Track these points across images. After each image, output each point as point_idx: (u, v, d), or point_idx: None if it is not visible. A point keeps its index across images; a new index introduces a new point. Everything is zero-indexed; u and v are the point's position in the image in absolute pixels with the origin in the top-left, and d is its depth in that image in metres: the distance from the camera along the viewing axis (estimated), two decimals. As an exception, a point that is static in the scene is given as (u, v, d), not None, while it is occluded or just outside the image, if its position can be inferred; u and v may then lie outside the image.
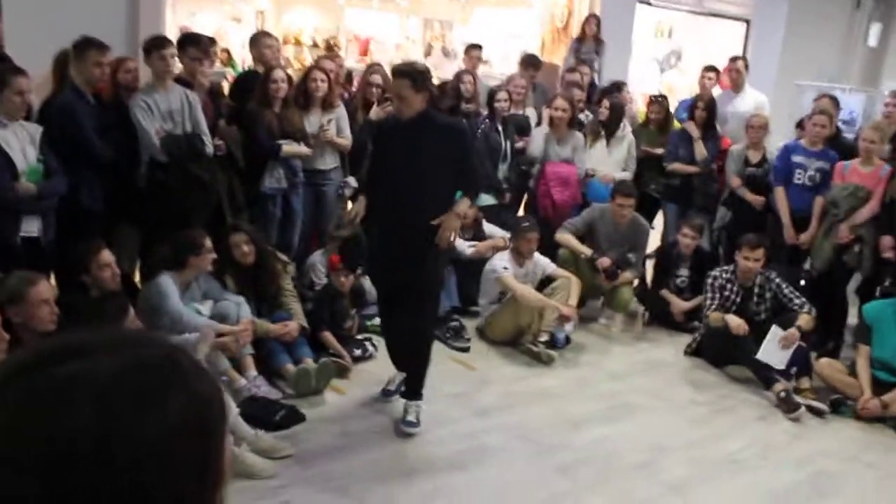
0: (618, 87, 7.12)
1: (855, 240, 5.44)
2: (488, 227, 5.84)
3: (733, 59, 7.38)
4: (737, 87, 7.22)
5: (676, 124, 6.79)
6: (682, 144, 6.39)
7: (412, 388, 4.09)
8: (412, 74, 3.81)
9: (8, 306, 3.08)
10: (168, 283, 4.17)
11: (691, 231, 5.85)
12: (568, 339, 5.36)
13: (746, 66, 7.24)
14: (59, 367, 0.70)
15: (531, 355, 5.13)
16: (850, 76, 12.23)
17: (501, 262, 5.29)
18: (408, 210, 3.90)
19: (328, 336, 4.67)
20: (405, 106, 3.82)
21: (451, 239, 3.98)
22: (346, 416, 4.12)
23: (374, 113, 5.65)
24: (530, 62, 7.30)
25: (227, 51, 8.91)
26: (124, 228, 5.04)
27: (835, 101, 6.49)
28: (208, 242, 4.29)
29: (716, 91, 7.44)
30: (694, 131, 6.31)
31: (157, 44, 4.64)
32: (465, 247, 5.56)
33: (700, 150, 6.25)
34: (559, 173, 5.98)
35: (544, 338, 5.18)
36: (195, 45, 5.02)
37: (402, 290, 4.03)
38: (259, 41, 5.77)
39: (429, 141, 3.85)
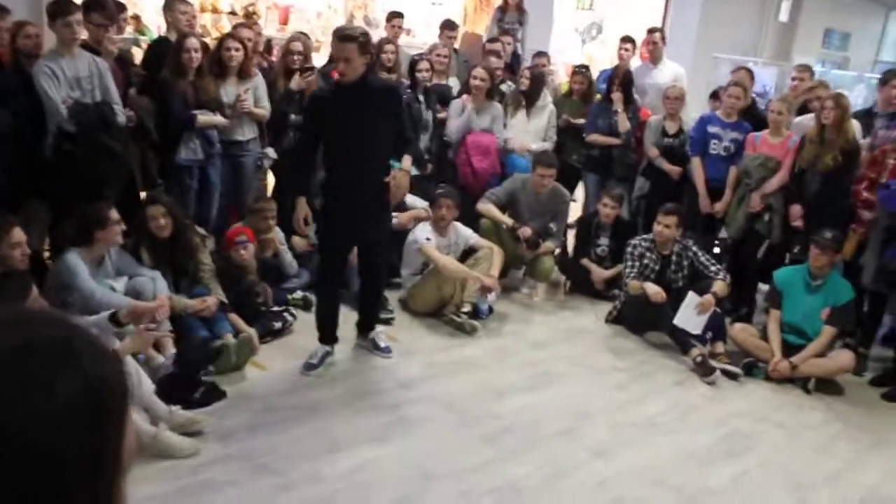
0: (539, 55, 7.13)
1: (765, 208, 5.62)
2: (410, 198, 5.80)
3: (651, 31, 7.48)
4: (655, 59, 7.34)
5: (598, 95, 6.85)
6: (601, 115, 6.45)
7: (374, 321, 4.70)
8: (357, 38, 3.93)
9: None
10: (76, 259, 4.00)
11: (611, 201, 5.94)
12: (491, 310, 5.40)
13: (664, 39, 7.37)
14: None
15: (454, 326, 5.14)
16: (763, 50, 12.59)
17: (423, 233, 5.28)
18: (361, 171, 4.13)
19: (234, 317, 4.50)
20: (350, 69, 3.93)
21: (402, 192, 4.31)
22: (267, 392, 4.05)
23: (296, 83, 5.53)
24: (447, 25, 7.26)
25: (136, 17, 8.55)
26: (32, 203, 4.82)
27: (750, 74, 6.66)
28: (115, 214, 4.10)
29: (635, 63, 7.53)
30: (619, 103, 6.37)
31: (62, 10, 4.36)
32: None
33: (623, 123, 6.32)
34: (479, 142, 5.99)
35: (467, 308, 5.20)
36: (100, 9, 4.79)
37: (359, 246, 4.40)
38: (173, 7, 5.56)
39: (370, 103, 4.04)
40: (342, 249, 4.41)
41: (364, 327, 4.71)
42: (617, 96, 6.37)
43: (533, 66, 6.69)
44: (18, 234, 3.68)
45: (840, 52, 15.26)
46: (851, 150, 5.31)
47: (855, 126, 5.57)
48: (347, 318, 4.68)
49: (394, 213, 5.50)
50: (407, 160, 4.39)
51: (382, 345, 4.66)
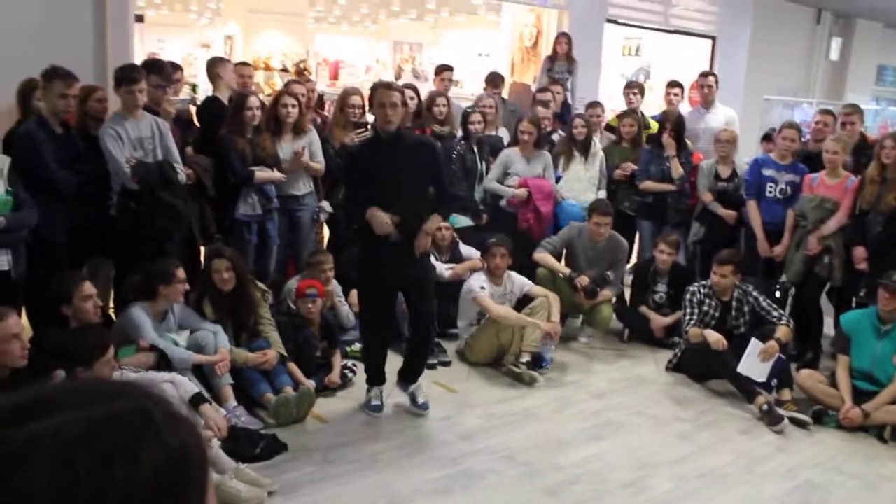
0: (593, 106, 7.15)
1: (824, 251, 5.50)
2: (465, 249, 5.82)
3: (704, 75, 7.46)
4: (707, 103, 7.30)
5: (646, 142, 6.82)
6: (654, 161, 6.42)
7: (417, 373, 4.57)
8: (400, 88, 4.16)
9: None
10: (140, 313, 4.10)
11: (668, 247, 5.88)
12: (551, 359, 5.34)
13: (717, 82, 7.32)
14: (21, 428, 0.65)
15: (514, 376, 5.10)
16: (815, 90, 12.46)
17: (478, 283, 5.27)
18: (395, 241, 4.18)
19: (292, 367, 4.53)
20: (395, 117, 4.08)
21: (424, 249, 4.29)
22: (328, 445, 4.05)
23: (349, 139, 5.64)
24: (491, 80, 7.35)
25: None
26: (97, 259, 4.96)
27: (833, 117, 6.35)
28: (180, 273, 4.22)
29: (686, 108, 7.51)
30: (671, 149, 6.33)
31: (128, 78, 4.54)
32: (443, 269, 5.54)
33: (677, 168, 6.28)
34: (541, 186, 6.00)
35: (525, 358, 5.15)
36: (158, 72, 4.96)
37: (404, 289, 4.43)
38: (225, 67, 5.73)
39: (405, 156, 4.16)
40: (381, 293, 4.40)
41: (406, 376, 4.60)
42: (669, 142, 6.34)
43: (586, 115, 6.69)
44: (89, 287, 3.80)
45: (895, 87, 15.03)
46: (915, 189, 5.19)
47: None
48: (389, 365, 4.65)
49: (450, 265, 5.53)
50: (435, 220, 4.33)
51: (420, 401, 4.54)
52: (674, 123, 6.45)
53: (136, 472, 0.66)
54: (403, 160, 4.14)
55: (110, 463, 0.66)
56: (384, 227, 4.11)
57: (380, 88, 4.17)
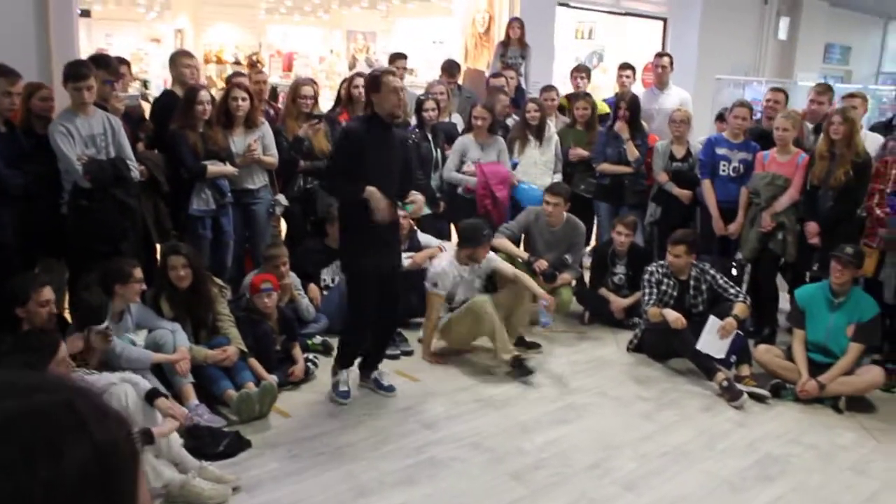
0: (547, 90, 7.15)
1: (777, 227, 5.59)
2: (423, 237, 5.81)
3: (658, 56, 7.48)
4: (661, 84, 7.35)
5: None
6: (610, 143, 6.45)
7: (379, 360, 4.68)
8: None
9: None
10: (97, 314, 4.02)
11: (625, 228, 5.93)
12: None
13: (671, 63, 7.36)
14: None
15: (519, 375, 4.98)
16: (765, 69, 12.63)
17: (446, 264, 5.20)
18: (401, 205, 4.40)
19: (253, 362, 4.47)
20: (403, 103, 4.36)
21: (387, 219, 4.29)
22: (292, 440, 4.02)
23: (303, 131, 5.59)
24: (447, 69, 7.33)
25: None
26: (48, 261, 4.86)
27: (785, 95, 6.43)
28: (137, 272, 4.16)
29: (639, 89, 7.55)
30: (624, 132, 6.37)
31: (74, 74, 4.43)
32: (402, 258, 5.51)
33: (632, 151, 6.31)
34: (497, 172, 6.00)
35: (507, 357, 5.02)
36: (105, 67, 4.86)
37: (382, 275, 4.40)
38: (177, 61, 5.64)
39: (394, 143, 4.37)
40: (371, 277, 4.37)
41: (369, 364, 4.66)
42: (621, 125, 6.37)
43: (540, 100, 6.69)
44: (48, 292, 3.73)
45: (842, 65, 15.33)
46: (863, 164, 5.29)
47: (875, 139, 5.55)
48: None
49: (409, 254, 5.51)
50: (421, 198, 4.56)
51: (386, 383, 4.63)
52: (628, 104, 6.48)
53: (61, 469, 0.64)
54: (394, 148, 4.34)
55: (32, 459, 0.63)
56: (384, 207, 4.17)
57: (386, 75, 4.23)
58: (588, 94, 7.13)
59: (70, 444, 0.65)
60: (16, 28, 5.72)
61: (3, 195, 4.32)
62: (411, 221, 5.68)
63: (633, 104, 6.51)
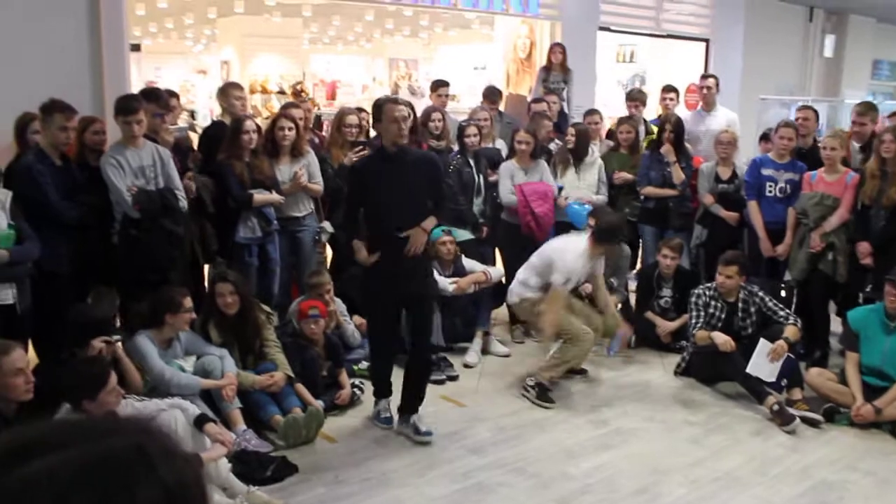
0: (591, 113, 7.14)
1: (827, 247, 5.48)
2: (468, 263, 5.82)
3: (704, 77, 7.40)
4: (708, 105, 7.26)
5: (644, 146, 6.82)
6: (653, 166, 6.40)
7: (417, 403, 4.45)
8: (405, 101, 4.25)
9: None
10: (146, 342, 4.11)
11: (671, 251, 5.87)
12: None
13: (717, 84, 7.26)
14: (17, 469, 0.65)
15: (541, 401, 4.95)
16: (811, 87, 12.47)
17: (574, 262, 5.06)
18: (397, 235, 4.19)
19: (300, 388, 4.53)
20: (406, 130, 4.23)
21: (418, 250, 4.26)
22: (338, 465, 4.04)
23: (348, 159, 5.66)
24: (488, 95, 7.37)
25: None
26: (100, 289, 4.98)
27: (815, 113, 6.43)
28: (188, 302, 4.22)
29: (683, 111, 7.50)
30: (670, 155, 6.33)
31: (124, 108, 4.56)
32: (447, 283, 5.53)
33: (678, 174, 6.26)
34: (536, 189, 5.99)
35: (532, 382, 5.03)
36: (155, 100, 4.99)
37: (406, 304, 4.43)
38: (226, 92, 5.77)
39: (408, 171, 4.20)
40: (384, 308, 4.41)
41: (406, 408, 4.46)
42: (667, 148, 6.33)
43: (579, 123, 6.69)
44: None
45: (891, 81, 15.05)
46: (916, 181, 5.18)
47: None
48: (396, 381, 4.63)
49: (453, 279, 5.52)
50: (430, 220, 4.32)
51: (423, 429, 4.37)
52: (673, 127, 6.44)
53: None
54: (407, 175, 4.19)
55: (107, 503, 0.65)
56: (363, 258, 4.28)
57: (388, 104, 4.21)
58: (632, 118, 7.10)
59: (143, 488, 0.67)
60: (71, 64, 5.92)
61: (58, 226, 4.44)
62: (456, 247, 5.69)
63: (678, 126, 6.46)
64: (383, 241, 4.24)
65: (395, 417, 4.51)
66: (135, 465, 0.69)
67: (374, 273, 4.31)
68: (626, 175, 6.51)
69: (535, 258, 5.26)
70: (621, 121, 7.02)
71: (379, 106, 4.30)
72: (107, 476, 0.67)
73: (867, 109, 6.22)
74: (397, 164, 4.18)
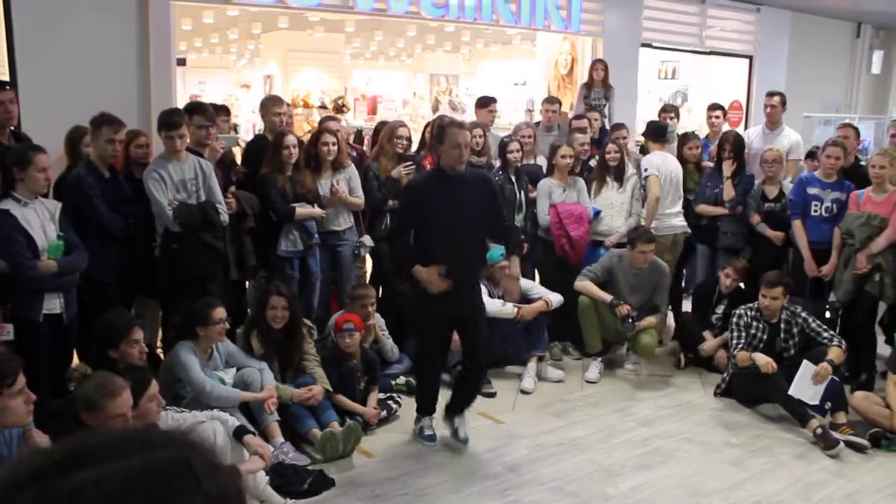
0: (618, 128, 7.10)
1: (874, 268, 5.38)
2: (525, 283, 5.76)
3: (770, 95, 7.19)
4: (773, 123, 7.09)
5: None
6: (713, 184, 6.35)
7: (464, 406, 4.53)
8: (469, 127, 4.28)
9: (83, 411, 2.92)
10: (187, 353, 4.15)
11: (734, 272, 5.82)
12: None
13: (783, 102, 7.07)
14: (66, 478, 0.67)
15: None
16: (857, 105, 12.26)
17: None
18: (453, 253, 4.17)
19: (341, 398, 4.57)
20: (467, 156, 4.23)
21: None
22: (375, 479, 4.05)
23: (397, 172, 5.68)
24: (548, 99, 7.50)
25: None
26: (144, 301, 5.07)
27: (855, 131, 6.39)
28: (218, 313, 4.23)
29: (756, 129, 7.39)
30: (727, 170, 6.25)
31: (168, 123, 4.64)
32: (506, 306, 5.45)
33: (728, 190, 6.20)
34: (571, 211, 5.96)
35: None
36: (201, 112, 5.07)
37: (457, 325, 4.41)
38: (269, 108, 5.84)
39: (467, 192, 4.21)
40: (436, 327, 4.39)
41: (452, 409, 4.56)
42: (727, 164, 6.26)
43: (614, 139, 6.62)
44: (138, 332, 3.86)
45: (941, 99, 14.71)
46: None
47: None
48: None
49: (509, 305, 5.46)
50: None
51: (462, 435, 4.50)
52: (732, 144, 6.36)
53: None
54: (466, 196, 4.19)
55: None
56: (433, 281, 4.17)
57: (452, 127, 4.19)
58: (695, 133, 7.03)
59: (186, 499, 0.69)
60: (119, 78, 6.07)
61: (105, 237, 4.53)
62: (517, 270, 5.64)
63: (737, 143, 6.38)
64: (437, 260, 4.18)
65: (438, 434, 4.52)
66: (179, 477, 0.70)
67: (424, 296, 4.29)
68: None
69: None
70: (685, 136, 6.95)
71: (443, 128, 4.27)
72: (152, 488, 0.68)
73: None
74: (456, 185, 4.18)
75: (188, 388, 4.13)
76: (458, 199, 4.16)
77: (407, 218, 4.40)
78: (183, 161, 4.68)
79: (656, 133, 6.78)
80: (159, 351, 4.98)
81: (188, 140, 4.72)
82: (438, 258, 4.19)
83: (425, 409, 4.57)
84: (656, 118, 7.40)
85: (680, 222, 6.47)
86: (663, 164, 6.45)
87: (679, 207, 6.51)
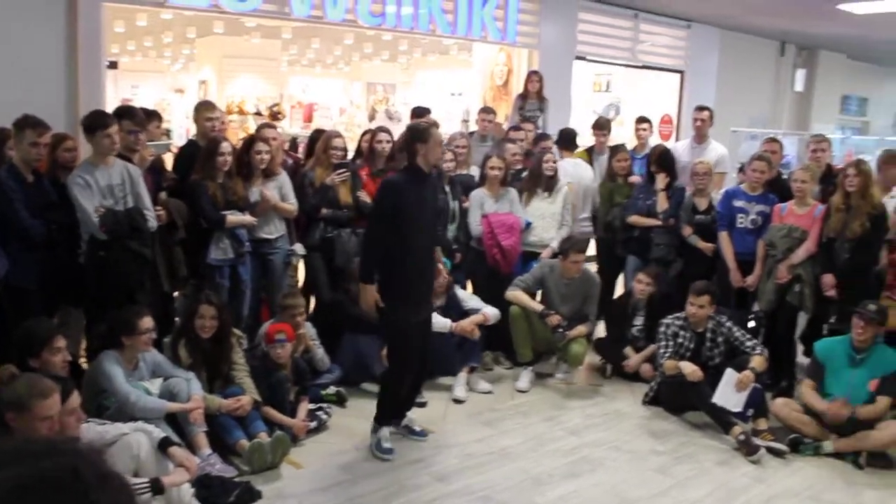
0: (543, 138, 7.18)
1: (794, 279, 5.56)
2: (460, 293, 5.79)
3: (699, 109, 7.38)
4: (701, 137, 7.27)
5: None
6: (645, 196, 6.45)
7: (411, 405, 4.80)
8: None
9: (10, 412, 2.83)
10: (111, 363, 4.04)
11: (646, 278, 5.92)
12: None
13: (711, 117, 7.24)
14: None
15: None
16: (782, 121, 12.69)
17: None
18: (425, 254, 4.45)
19: (269, 410, 4.51)
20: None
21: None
22: (303, 491, 4.00)
23: (330, 180, 5.66)
24: (484, 109, 7.52)
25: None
26: (68, 309, 4.92)
27: (779, 145, 6.63)
28: (144, 323, 4.12)
29: (656, 142, 7.57)
30: (661, 182, 6.37)
31: (101, 123, 4.53)
32: (444, 321, 5.44)
33: (662, 203, 6.32)
34: (503, 221, 6.01)
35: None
36: (130, 117, 4.96)
37: (422, 325, 4.50)
38: (200, 113, 5.75)
39: (432, 191, 4.57)
40: (412, 332, 4.38)
41: (407, 412, 4.76)
42: (661, 177, 6.39)
43: (540, 150, 6.67)
44: (61, 340, 3.75)
45: (858, 116, 15.36)
46: (878, 216, 5.30)
47: None
48: (364, 408, 4.67)
49: (445, 321, 5.45)
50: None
51: (417, 429, 4.74)
52: (657, 158, 6.50)
53: None
54: (432, 196, 4.53)
55: None
56: (368, 304, 4.31)
57: (432, 128, 4.39)
58: (625, 146, 7.15)
59: None
60: (46, 80, 5.91)
61: (27, 244, 4.39)
62: (450, 278, 5.66)
63: (664, 157, 6.51)
64: (410, 262, 4.30)
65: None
66: (68, 487, 0.69)
67: (402, 297, 4.30)
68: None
69: None
70: (615, 149, 7.06)
71: (424, 129, 4.36)
72: (39, 498, 0.66)
73: (824, 139, 6.58)
74: (429, 185, 4.44)
75: (112, 399, 4.02)
76: (431, 198, 4.45)
77: (385, 213, 4.29)
78: (110, 166, 4.57)
79: (567, 141, 7.05)
80: (83, 361, 4.84)
81: (118, 143, 4.60)
82: (414, 258, 4.30)
83: (393, 416, 4.60)
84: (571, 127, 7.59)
85: (588, 229, 6.62)
86: (575, 171, 6.65)
87: (588, 213, 6.72)
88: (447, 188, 6.07)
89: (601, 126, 7.52)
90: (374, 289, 4.29)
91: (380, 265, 4.33)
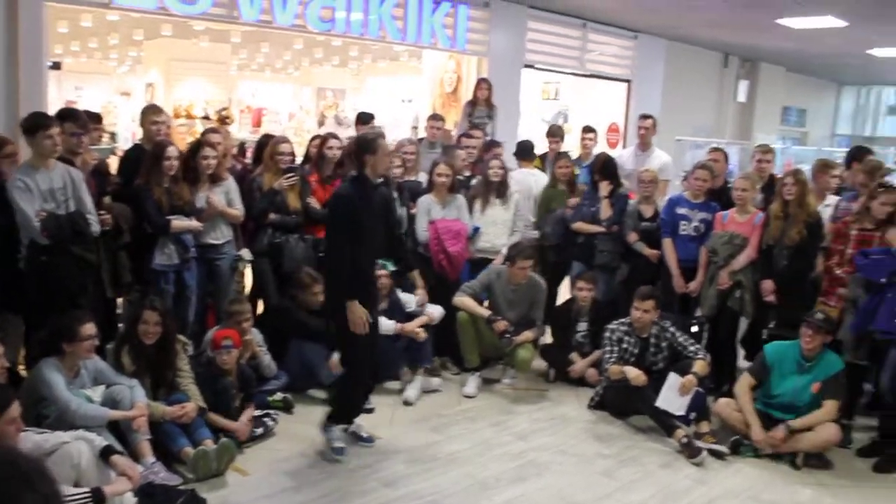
0: (492, 145, 7.24)
1: (735, 285, 5.69)
2: (403, 296, 5.80)
3: (643, 118, 7.54)
4: (645, 145, 7.42)
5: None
6: (589, 203, 6.53)
7: (359, 412, 4.80)
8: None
9: None
10: (51, 371, 3.95)
11: (585, 283, 6.00)
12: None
13: (654, 125, 7.41)
14: None
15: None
16: (725, 130, 12.98)
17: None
18: (373, 259, 4.60)
19: (213, 416, 4.47)
20: None
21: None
22: (248, 498, 3.96)
23: (278, 184, 5.63)
24: (433, 116, 7.58)
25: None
26: (6, 315, 4.80)
27: (724, 155, 6.79)
28: (86, 329, 4.03)
29: (605, 148, 7.69)
30: (604, 190, 6.46)
31: (41, 124, 4.43)
32: (389, 324, 5.48)
33: (605, 210, 6.41)
34: (449, 227, 6.04)
35: None
36: (73, 119, 4.87)
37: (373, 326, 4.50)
38: (146, 117, 5.67)
39: (381, 200, 4.66)
40: (366, 336, 4.37)
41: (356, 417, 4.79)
42: (604, 185, 6.47)
43: (491, 157, 6.72)
44: None
45: (798, 127, 15.83)
46: (815, 224, 5.47)
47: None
48: (311, 415, 4.65)
49: (390, 323, 5.48)
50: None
51: (365, 435, 4.75)
52: (599, 167, 6.60)
53: None
54: (380, 205, 4.60)
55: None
56: (360, 322, 4.26)
57: (380, 139, 4.41)
58: (567, 153, 7.24)
59: (27, 498, 0.71)
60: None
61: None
62: (391, 280, 5.67)
63: (608, 165, 6.61)
64: (362, 269, 4.35)
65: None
66: (13, 479, 0.71)
67: (362, 295, 4.34)
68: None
69: None
70: (558, 156, 7.14)
71: (372, 139, 4.37)
72: None
73: (769, 149, 6.72)
74: (378, 194, 4.54)
75: (52, 408, 3.93)
76: (376, 209, 4.48)
77: (343, 226, 4.29)
78: (51, 169, 4.47)
79: (525, 152, 7.26)
80: (21, 369, 4.72)
81: (59, 145, 4.50)
82: (363, 263, 4.36)
83: (348, 417, 4.68)
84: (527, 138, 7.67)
85: (534, 235, 6.74)
86: (522, 180, 6.86)
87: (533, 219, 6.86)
88: (395, 194, 6.08)
89: (554, 133, 7.63)
90: (359, 310, 4.26)
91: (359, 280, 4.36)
